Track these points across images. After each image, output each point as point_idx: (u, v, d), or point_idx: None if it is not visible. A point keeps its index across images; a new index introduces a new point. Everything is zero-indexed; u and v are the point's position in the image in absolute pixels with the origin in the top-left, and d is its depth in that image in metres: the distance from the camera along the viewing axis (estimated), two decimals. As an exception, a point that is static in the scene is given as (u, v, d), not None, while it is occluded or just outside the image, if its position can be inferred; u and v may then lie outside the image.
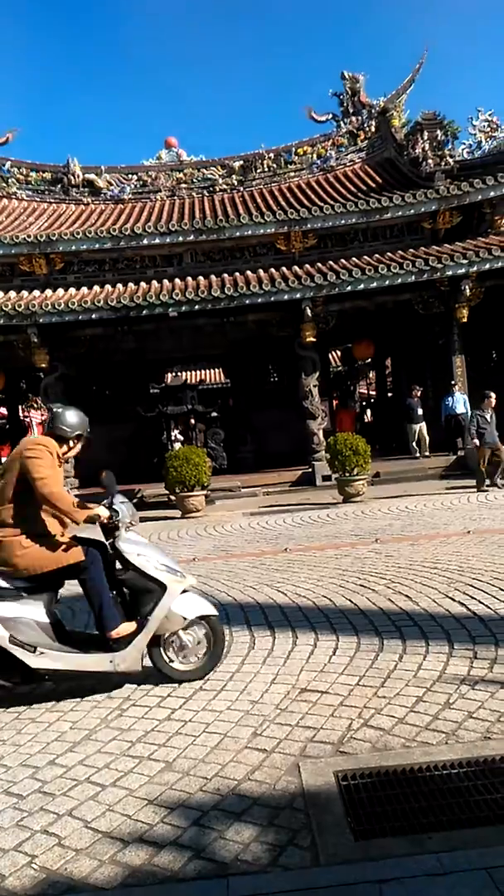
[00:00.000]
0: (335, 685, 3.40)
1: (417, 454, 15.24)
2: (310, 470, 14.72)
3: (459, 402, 14.86)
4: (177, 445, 14.67)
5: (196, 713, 3.26)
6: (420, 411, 15.35)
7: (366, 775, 2.54)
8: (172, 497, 12.41)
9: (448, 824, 2.20)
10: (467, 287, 14.34)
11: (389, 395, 21.79)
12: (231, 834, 2.25)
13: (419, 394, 15.54)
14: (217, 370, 28.78)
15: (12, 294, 15.55)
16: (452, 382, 15.00)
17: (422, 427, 15.32)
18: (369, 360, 20.78)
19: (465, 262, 14.03)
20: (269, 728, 3.01)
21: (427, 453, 15.26)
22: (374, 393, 26.88)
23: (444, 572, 5.44)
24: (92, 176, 19.89)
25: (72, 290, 15.88)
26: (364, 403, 28.76)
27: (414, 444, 15.37)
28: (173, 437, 15.53)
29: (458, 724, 2.85)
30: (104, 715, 3.36)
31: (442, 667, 3.47)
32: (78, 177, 19.83)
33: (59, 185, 19.91)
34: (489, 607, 4.36)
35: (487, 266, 14.09)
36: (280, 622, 4.55)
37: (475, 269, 14.12)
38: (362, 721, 2.97)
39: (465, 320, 14.85)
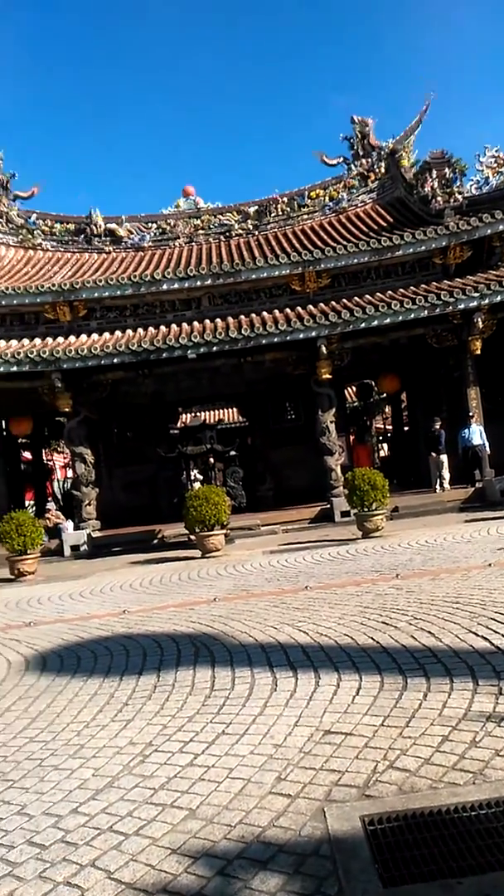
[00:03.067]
0: (359, 726, 3.34)
1: (441, 486, 15.12)
2: (328, 506, 14.68)
3: (476, 433, 14.81)
4: (196, 485, 14.73)
5: (219, 758, 3.22)
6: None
7: (393, 819, 2.48)
8: (192, 537, 12.43)
9: (479, 868, 2.14)
10: (480, 319, 14.44)
11: (406, 428, 21.76)
12: (256, 883, 2.21)
13: (440, 425, 15.49)
14: (235, 409, 28.98)
15: (37, 341, 15.95)
16: (469, 414, 14.97)
17: (445, 458, 15.26)
18: (393, 393, 20.84)
19: (476, 294, 14.15)
20: (294, 772, 2.96)
21: (446, 486, 15.15)
22: (390, 427, 26.85)
23: (466, 607, 5.36)
24: (113, 226, 20.51)
25: (94, 336, 16.24)
26: (381, 438, 28.73)
27: (441, 473, 15.23)
28: (192, 477, 15.61)
29: (486, 762, 2.78)
30: (126, 761, 3.34)
31: (467, 704, 3.41)
32: (100, 227, 20.46)
33: (83, 235, 20.53)
34: (515, 643, 4.28)
35: (499, 298, 14.21)
36: (302, 662, 4.50)
37: (487, 301, 14.23)
38: (388, 763, 2.92)
39: (478, 352, 14.91)
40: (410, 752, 2.98)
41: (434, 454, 15.47)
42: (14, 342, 15.99)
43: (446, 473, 15.22)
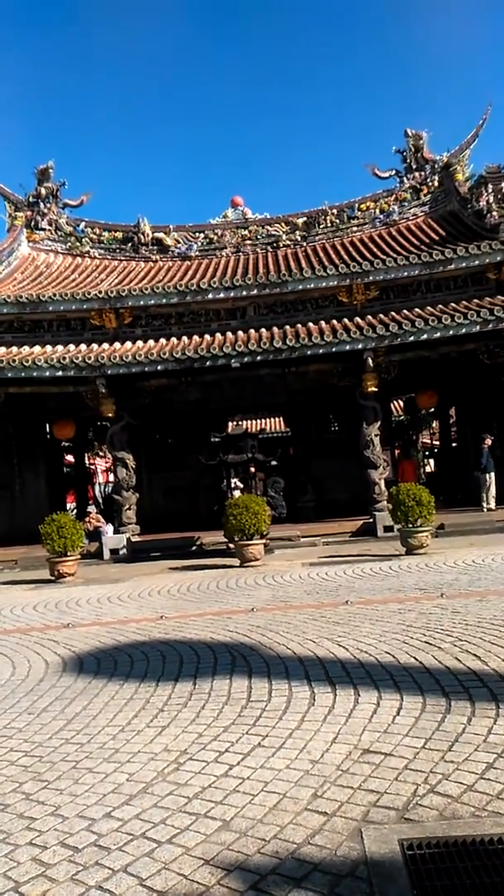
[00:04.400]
0: (399, 747, 3.25)
1: (487, 505, 14.85)
2: (371, 520, 14.48)
3: (528, 452, 14.45)
4: (236, 493, 14.72)
5: (254, 770, 3.17)
6: (492, 461, 15.07)
7: (433, 845, 2.40)
8: (231, 545, 12.40)
9: (524, 906, 2.05)
10: (534, 336, 14.10)
11: (454, 444, 21.39)
12: (290, 902, 2.15)
13: (487, 442, 15.24)
14: (278, 419, 28.98)
15: (83, 347, 16.23)
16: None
17: (492, 476, 15.01)
18: (433, 409, 20.57)
19: (531, 311, 13.83)
20: (330, 790, 2.89)
21: (492, 505, 14.84)
22: (437, 443, 26.45)
23: (514, 631, 5.19)
24: (161, 234, 20.78)
25: (139, 343, 16.43)
26: (427, 453, 28.31)
27: (484, 494, 15.00)
28: (233, 486, 15.61)
29: (533, 795, 2.67)
30: (161, 768, 3.31)
31: (514, 732, 3.29)
32: (147, 235, 20.76)
33: (130, 244, 20.87)
34: None
35: None
36: (341, 678, 4.42)
37: (542, 318, 13.88)
38: (429, 786, 2.82)
39: (532, 369, 14.56)
40: (453, 778, 2.88)
41: (477, 472, 15.21)
42: (60, 347, 16.30)
43: (492, 492, 14.92)
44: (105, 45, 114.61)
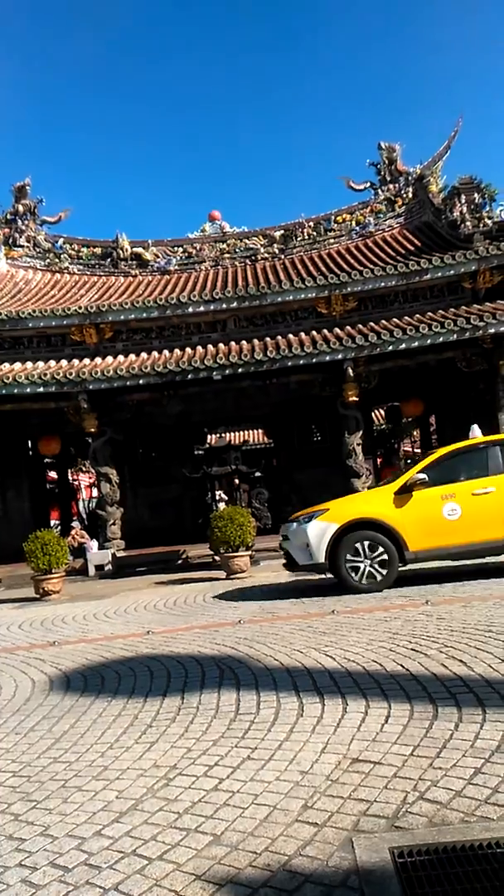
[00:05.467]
0: (388, 755, 3.27)
1: None
2: (356, 530, 14.52)
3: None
4: (221, 506, 14.72)
5: (244, 783, 3.16)
6: None
7: (423, 852, 2.41)
8: (217, 558, 12.39)
9: (514, 909, 2.07)
10: (511, 343, 14.31)
11: (435, 452, 21.55)
12: (282, 914, 2.15)
13: None
14: (260, 431, 29.05)
15: (63, 363, 16.19)
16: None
17: None
18: (417, 416, 20.79)
19: (507, 319, 14.05)
20: (321, 800, 2.90)
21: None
22: (418, 451, 26.63)
23: (499, 635, 5.24)
24: (140, 249, 20.86)
25: (120, 358, 16.43)
26: (409, 461, 28.48)
27: None
28: (217, 498, 15.62)
29: (521, 798, 2.69)
30: (150, 784, 3.29)
31: (500, 736, 3.31)
32: (126, 251, 20.83)
33: (109, 259, 20.91)
34: (548, 673, 4.16)
35: (530, 323, 14.06)
36: (329, 688, 4.42)
37: (518, 325, 14.11)
38: (418, 794, 2.84)
39: (509, 376, 14.75)
40: (441, 784, 2.90)
41: None
42: (41, 363, 16.25)
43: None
44: (82, 61, 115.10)
